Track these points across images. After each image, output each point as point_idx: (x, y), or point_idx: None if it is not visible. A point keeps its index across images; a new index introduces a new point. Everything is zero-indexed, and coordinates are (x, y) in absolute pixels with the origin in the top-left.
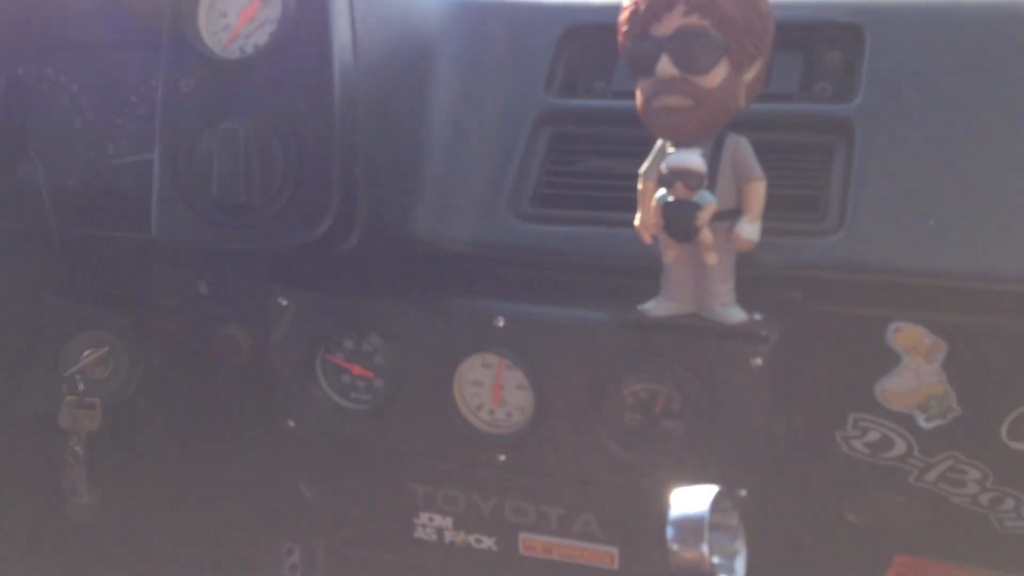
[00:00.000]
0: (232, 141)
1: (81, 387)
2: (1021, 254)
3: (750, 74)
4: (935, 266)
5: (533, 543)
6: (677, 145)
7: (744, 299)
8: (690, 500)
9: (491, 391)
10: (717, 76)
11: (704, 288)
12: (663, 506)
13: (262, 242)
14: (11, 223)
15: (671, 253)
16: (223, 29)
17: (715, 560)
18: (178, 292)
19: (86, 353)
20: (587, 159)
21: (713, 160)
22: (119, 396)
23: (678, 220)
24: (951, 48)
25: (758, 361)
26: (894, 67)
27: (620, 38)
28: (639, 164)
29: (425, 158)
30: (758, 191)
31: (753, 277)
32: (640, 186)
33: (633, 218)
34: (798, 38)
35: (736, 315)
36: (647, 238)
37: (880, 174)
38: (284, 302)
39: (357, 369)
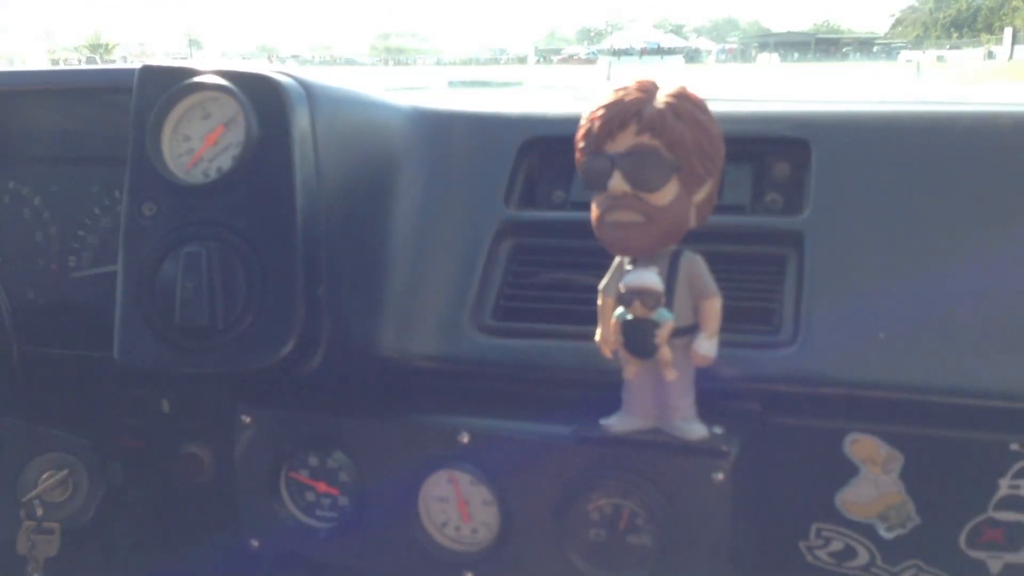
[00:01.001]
0: (195, 265)
1: (40, 512)
2: (968, 368)
3: (700, 195)
4: (886, 379)
5: None
6: (634, 262)
7: (704, 411)
8: None
9: (457, 507)
10: (667, 194)
11: (664, 403)
12: None
13: (225, 366)
14: None
15: (631, 369)
16: (186, 153)
17: None
18: (139, 410)
19: (45, 476)
20: (548, 271)
21: (669, 278)
22: (79, 519)
23: (637, 338)
24: (896, 159)
25: (720, 476)
26: (841, 179)
27: (577, 154)
28: (599, 275)
29: (388, 274)
30: (714, 308)
31: (712, 390)
32: (600, 302)
33: (594, 330)
34: (747, 151)
35: (697, 429)
36: (608, 353)
37: (831, 286)
38: (247, 419)
39: (322, 486)
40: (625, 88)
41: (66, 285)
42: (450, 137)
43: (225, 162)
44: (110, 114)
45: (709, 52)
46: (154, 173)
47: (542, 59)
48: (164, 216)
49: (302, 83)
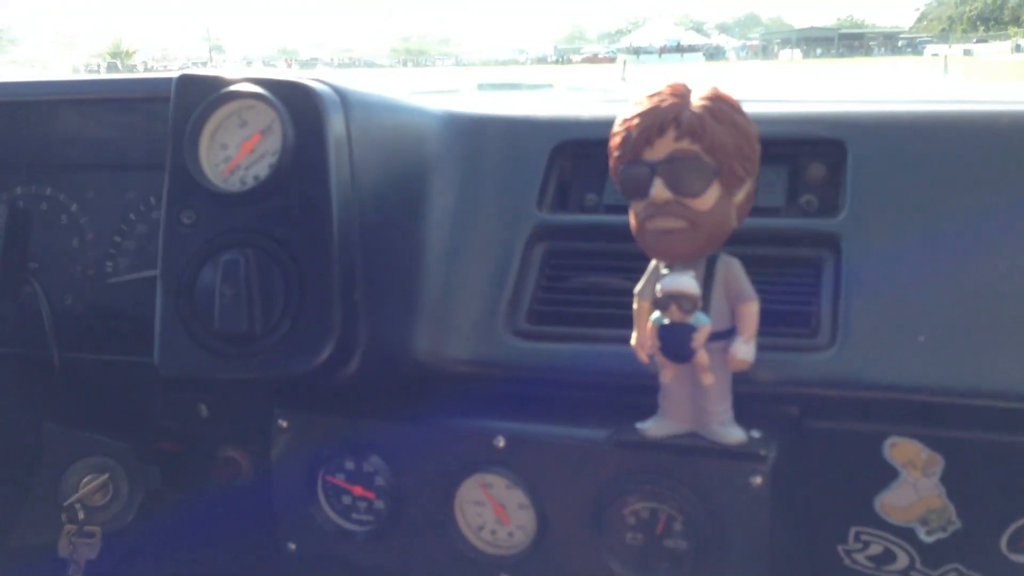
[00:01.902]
0: (233, 272)
1: (81, 515)
2: (1010, 370)
3: (740, 196)
4: (927, 383)
5: None
6: (671, 266)
7: (741, 415)
8: None
9: (492, 511)
10: (710, 199)
11: (702, 407)
12: None
13: (264, 371)
14: (11, 348)
15: (668, 373)
16: (223, 161)
17: None
18: (178, 415)
19: (86, 480)
20: (581, 274)
21: (706, 282)
22: (119, 523)
23: (674, 342)
24: (933, 160)
25: (758, 480)
26: (877, 181)
27: (612, 162)
28: (633, 279)
29: (423, 279)
30: (751, 312)
31: (749, 394)
32: (635, 306)
33: (629, 334)
34: (782, 152)
35: (734, 434)
36: (644, 357)
37: (869, 288)
38: (284, 424)
39: (358, 490)
40: (659, 93)
41: (103, 290)
42: (482, 141)
43: (262, 170)
44: (145, 122)
45: (729, 49)
46: (192, 181)
47: (561, 59)
48: (202, 224)
49: (337, 89)
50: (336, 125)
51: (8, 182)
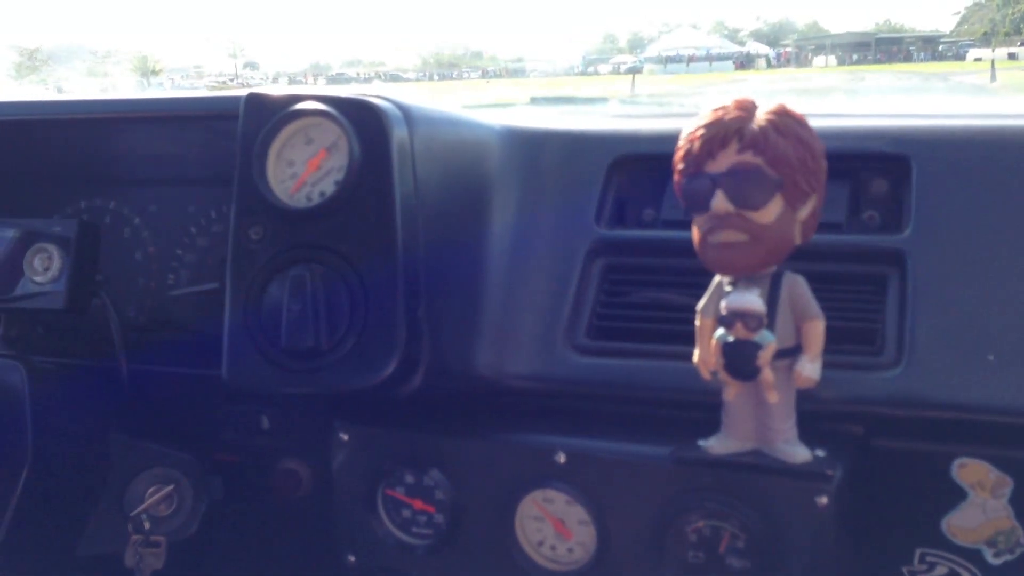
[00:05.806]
0: (300, 288)
1: (147, 525)
2: None
3: (805, 211)
4: (996, 403)
5: None
6: (734, 283)
7: (805, 434)
8: None
9: (552, 527)
10: (772, 212)
11: (766, 425)
12: None
13: (329, 386)
14: (81, 359)
15: (732, 391)
16: (290, 177)
17: None
18: (239, 426)
19: (151, 491)
20: (640, 290)
21: (771, 299)
22: (183, 533)
23: (739, 360)
24: (999, 176)
25: (823, 499)
26: (943, 196)
27: (676, 176)
28: (692, 295)
29: (483, 293)
30: (817, 330)
31: (813, 412)
32: (698, 323)
33: (690, 350)
34: (843, 167)
35: (799, 452)
36: (706, 374)
37: (936, 306)
38: (344, 436)
39: (418, 504)
40: (724, 107)
41: (164, 303)
42: (541, 156)
43: (328, 186)
44: (206, 138)
45: (760, 56)
46: (260, 198)
47: (587, 69)
48: (270, 240)
49: (400, 106)
50: (400, 141)
51: (73, 196)
